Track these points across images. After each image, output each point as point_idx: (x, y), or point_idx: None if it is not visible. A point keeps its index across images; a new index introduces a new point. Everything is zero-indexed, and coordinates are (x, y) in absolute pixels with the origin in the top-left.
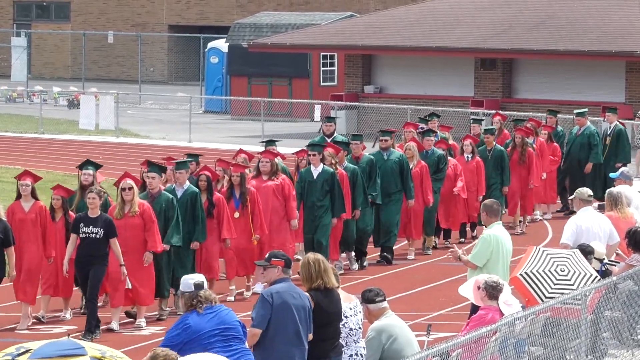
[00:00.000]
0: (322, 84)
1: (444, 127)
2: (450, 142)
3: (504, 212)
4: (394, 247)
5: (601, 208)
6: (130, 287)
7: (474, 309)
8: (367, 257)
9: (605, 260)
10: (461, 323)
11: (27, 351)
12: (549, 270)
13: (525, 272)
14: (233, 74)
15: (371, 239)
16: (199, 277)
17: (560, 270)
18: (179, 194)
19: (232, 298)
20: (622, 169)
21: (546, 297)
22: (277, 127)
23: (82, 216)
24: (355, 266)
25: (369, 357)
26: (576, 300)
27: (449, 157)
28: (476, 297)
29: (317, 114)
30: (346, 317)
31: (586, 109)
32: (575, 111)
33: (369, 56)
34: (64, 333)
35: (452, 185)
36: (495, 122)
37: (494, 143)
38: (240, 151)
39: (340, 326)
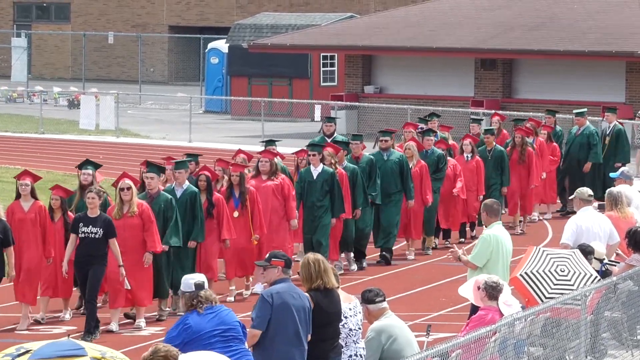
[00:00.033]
0: (322, 84)
1: (444, 127)
2: (450, 142)
3: (504, 212)
4: (393, 248)
5: (601, 208)
6: (129, 287)
7: (474, 309)
8: (367, 257)
9: (605, 261)
10: (461, 323)
11: (27, 351)
12: (549, 271)
13: (525, 273)
14: (233, 74)
15: (371, 238)
16: (199, 277)
17: (560, 270)
18: (179, 193)
19: (232, 298)
20: (622, 168)
21: (546, 298)
22: (277, 127)
23: (82, 216)
24: (354, 267)
25: (369, 357)
26: (576, 300)
27: (449, 157)
28: (476, 297)
29: (317, 114)
30: (346, 317)
31: (585, 109)
32: (574, 111)
33: (369, 56)
34: (63, 333)
35: (451, 185)
36: (494, 123)
37: (494, 143)
38: (239, 151)
39: (340, 326)
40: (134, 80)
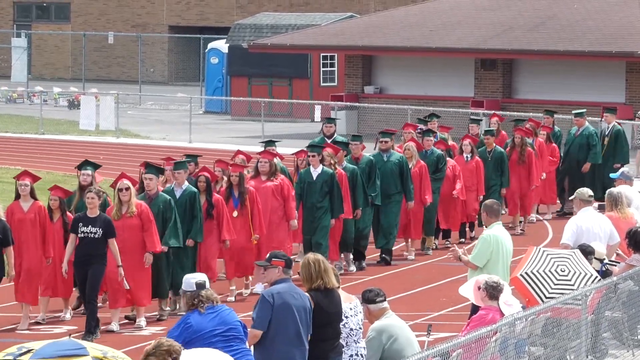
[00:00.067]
0: (322, 84)
1: (444, 127)
2: (450, 142)
3: (503, 212)
4: (393, 248)
5: (601, 208)
6: (128, 288)
7: (474, 309)
8: (367, 257)
9: (606, 261)
10: (461, 323)
11: (28, 351)
12: (550, 271)
13: (526, 273)
14: (233, 74)
15: (372, 238)
16: (201, 277)
17: (561, 270)
18: (178, 194)
19: (233, 298)
20: (622, 169)
21: (546, 298)
22: (277, 127)
23: (81, 216)
24: (353, 268)
25: (370, 357)
26: (576, 300)
27: (448, 158)
28: (476, 297)
29: (318, 115)
30: (346, 317)
31: (584, 110)
32: (573, 112)
33: (369, 57)
34: (64, 333)
35: (450, 186)
36: (493, 123)
37: (494, 144)
38: (238, 152)
39: (341, 326)
40: (134, 81)
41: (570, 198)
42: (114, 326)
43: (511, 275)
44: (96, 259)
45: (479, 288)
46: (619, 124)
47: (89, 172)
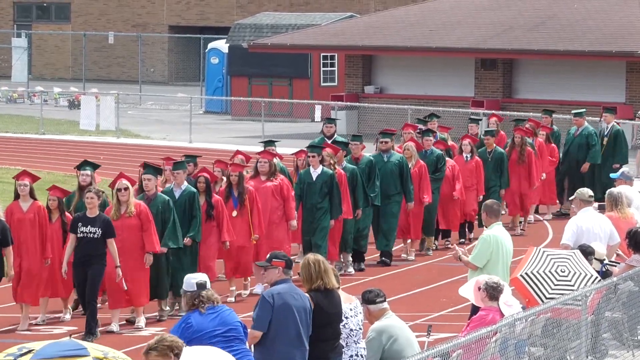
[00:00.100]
0: (322, 84)
1: (443, 127)
2: (450, 142)
3: (503, 212)
4: (393, 248)
5: (601, 208)
6: (126, 289)
7: (475, 309)
8: (368, 257)
9: (606, 261)
10: (461, 324)
11: (29, 351)
12: (550, 271)
13: (526, 273)
14: (233, 74)
15: (372, 239)
16: (201, 277)
17: (561, 271)
18: (177, 194)
19: (232, 299)
20: (622, 169)
21: (546, 298)
22: (277, 127)
23: (81, 216)
24: (351, 269)
25: (370, 357)
26: (576, 301)
27: (447, 158)
28: (476, 297)
29: (318, 115)
30: (347, 317)
31: (584, 109)
32: (573, 112)
33: (369, 56)
34: (64, 334)
35: (449, 186)
36: (492, 124)
37: (494, 145)
38: (237, 152)
39: (341, 327)
40: (134, 81)
41: (570, 198)
42: (114, 327)
43: (511, 275)
44: (95, 259)
45: (479, 288)
46: (618, 124)
47: (88, 172)
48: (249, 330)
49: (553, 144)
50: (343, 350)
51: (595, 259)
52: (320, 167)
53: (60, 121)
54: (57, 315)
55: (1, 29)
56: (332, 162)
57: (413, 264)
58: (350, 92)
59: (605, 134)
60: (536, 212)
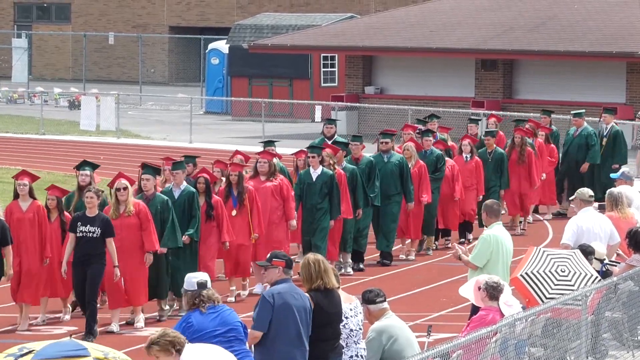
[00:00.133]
0: (322, 84)
1: (443, 128)
2: (450, 143)
3: (503, 212)
4: (393, 248)
5: (602, 208)
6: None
7: (475, 309)
8: (368, 257)
9: (606, 261)
10: (462, 324)
11: (30, 352)
12: (550, 271)
13: (526, 273)
14: (234, 75)
15: (372, 239)
16: (202, 276)
17: (561, 270)
18: (176, 194)
19: (233, 299)
20: (622, 169)
21: (547, 298)
22: (277, 127)
23: (80, 215)
24: (350, 270)
25: (370, 357)
26: (577, 301)
27: (447, 158)
28: (477, 297)
29: (318, 115)
30: (347, 317)
31: (583, 110)
32: (572, 112)
33: (370, 57)
34: (64, 334)
35: (449, 186)
36: (491, 124)
37: (494, 146)
38: (236, 152)
39: (341, 327)
40: (134, 81)
41: (570, 198)
42: (114, 327)
43: (511, 275)
44: (95, 259)
45: (479, 288)
46: (617, 124)
47: (88, 172)
48: (249, 330)
49: (552, 145)
50: (343, 350)
51: (596, 258)
52: (320, 167)
53: (61, 121)
54: (57, 315)
55: (1, 30)
56: (331, 162)
57: (413, 264)
58: (351, 92)
59: (605, 134)
60: (536, 212)
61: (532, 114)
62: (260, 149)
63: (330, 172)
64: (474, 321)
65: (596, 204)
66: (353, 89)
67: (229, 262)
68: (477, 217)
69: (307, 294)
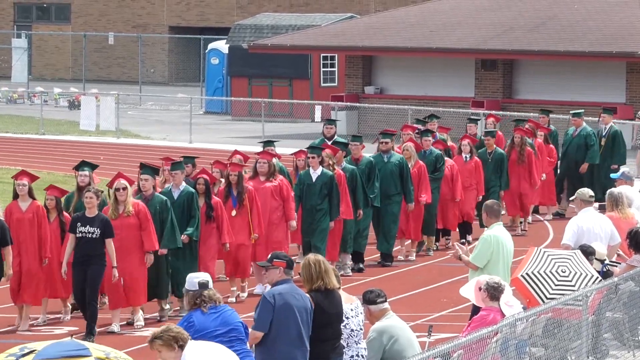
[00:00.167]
0: (322, 84)
1: (443, 128)
2: (449, 143)
3: (503, 212)
4: (394, 249)
5: (602, 208)
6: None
7: (475, 310)
8: (368, 258)
9: (607, 261)
10: (462, 324)
11: (31, 352)
12: (550, 271)
13: (527, 273)
14: (233, 75)
15: (373, 239)
16: (204, 276)
17: (562, 271)
18: (176, 195)
19: (233, 299)
20: (622, 169)
21: (547, 298)
22: (277, 127)
23: (79, 216)
24: (349, 271)
25: (370, 358)
26: (577, 301)
27: (447, 158)
28: (477, 298)
29: (318, 115)
30: (347, 318)
31: (582, 110)
32: (571, 112)
33: (370, 57)
34: (65, 334)
35: (448, 186)
36: (489, 124)
37: (494, 146)
38: (236, 152)
39: (342, 327)
40: (134, 81)
41: (570, 199)
42: (115, 327)
43: (512, 275)
44: (95, 259)
45: (480, 289)
46: (616, 124)
47: (87, 172)
48: (250, 330)
49: (551, 145)
50: (344, 350)
51: (596, 259)
52: (320, 168)
53: (61, 121)
54: (57, 315)
55: (1, 30)
56: (331, 162)
57: (413, 265)
58: (351, 92)
59: (604, 134)
60: (536, 212)
61: (532, 114)
62: (259, 149)
63: (330, 172)
64: (475, 321)
65: (596, 204)
66: (353, 89)
67: (229, 262)
68: (477, 217)
69: (307, 295)
